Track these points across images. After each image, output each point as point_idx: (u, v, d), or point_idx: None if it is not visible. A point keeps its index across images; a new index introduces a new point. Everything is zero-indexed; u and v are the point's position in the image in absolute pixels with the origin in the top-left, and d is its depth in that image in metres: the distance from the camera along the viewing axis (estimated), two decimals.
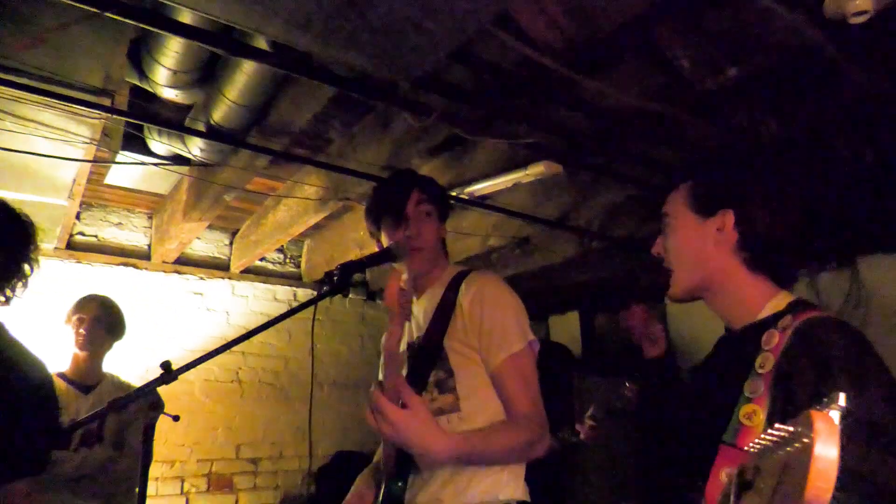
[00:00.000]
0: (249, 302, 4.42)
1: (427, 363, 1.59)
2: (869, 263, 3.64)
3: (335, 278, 1.63)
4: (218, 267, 4.35)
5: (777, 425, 0.58)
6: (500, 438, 1.46)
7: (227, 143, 2.37)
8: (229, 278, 4.37)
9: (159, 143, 2.57)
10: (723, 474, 0.96)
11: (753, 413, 0.97)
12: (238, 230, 4.31)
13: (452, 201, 2.90)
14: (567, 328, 5.23)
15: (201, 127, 2.35)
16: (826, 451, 0.51)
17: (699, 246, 1.16)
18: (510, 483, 1.53)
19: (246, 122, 2.33)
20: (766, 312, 1.10)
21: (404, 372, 1.66)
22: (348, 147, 2.73)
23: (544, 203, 3.35)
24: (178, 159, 2.66)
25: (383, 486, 1.58)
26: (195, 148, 2.47)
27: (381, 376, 1.88)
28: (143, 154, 2.67)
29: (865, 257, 3.65)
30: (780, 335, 1.02)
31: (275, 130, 2.43)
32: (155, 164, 2.62)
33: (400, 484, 1.55)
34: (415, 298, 1.80)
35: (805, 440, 0.52)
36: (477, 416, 1.51)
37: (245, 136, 2.41)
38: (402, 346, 1.74)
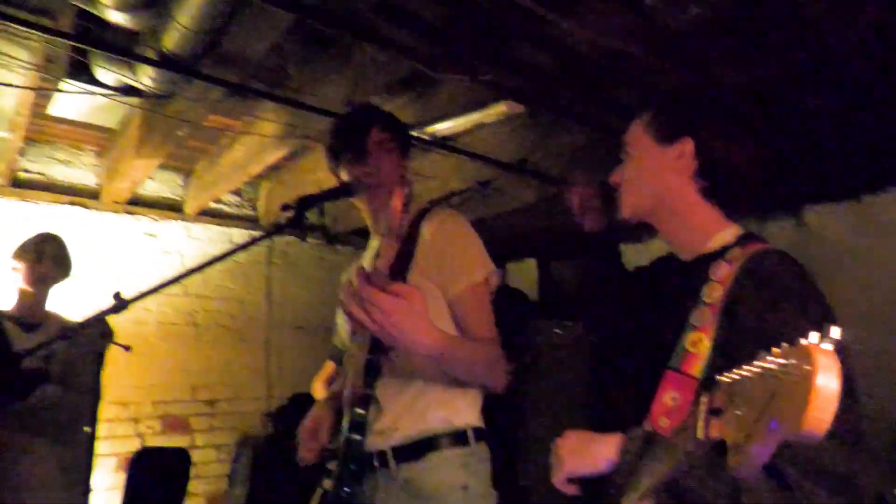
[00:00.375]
0: (205, 245, 4.33)
1: None
2: (815, 212, 3.78)
3: (293, 210, 1.62)
4: (172, 208, 4.23)
5: (766, 357, 0.59)
6: (475, 348, 1.50)
7: (180, 72, 2.27)
8: (184, 220, 4.26)
9: (107, 72, 2.43)
10: (667, 398, 1.01)
11: (699, 341, 1.01)
12: (193, 170, 4.18)
13: (414, 142, 2.87)
14: (525, 275, 5.32)
15: (152, 55, 2.24)
16: (827, 382, 0.51)
17: (658, 172, 1.18)
18: (467, 410, 1.57)
19: (199, 51, 2.23)
20: (715, 244, 1.13)
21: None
22: (308, 82, 2.65)
23: (505, 146, 3.34)
24: (127, 91, 2.54)
25: (347, 415, 1.62)
26: (145, 78, 2.35)
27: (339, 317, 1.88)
28: (90, 84, 2.53)
29: (812, 206, 3.79)
30: (729, 267, 1.04)
31: (230, 61, 2.33)
32: (102, 95, 2.49)
33: (362, 412, 1.59)
34: (373, 234, 1.80)
35: (802, 370, 0.52)
36: None
37: (198, 66, 2.31)
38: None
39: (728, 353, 0.98)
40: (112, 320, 1.44)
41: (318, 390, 3.17)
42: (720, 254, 1.10)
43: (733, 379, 0.65)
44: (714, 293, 1.03)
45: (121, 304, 1.45)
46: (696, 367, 0.99)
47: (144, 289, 1.47)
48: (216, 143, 3.68)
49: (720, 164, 1.14)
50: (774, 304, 0.96)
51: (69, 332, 1.37)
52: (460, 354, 1.43)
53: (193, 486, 3.95)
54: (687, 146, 1.15)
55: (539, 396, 3.93)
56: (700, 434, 0.70)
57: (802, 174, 3.53)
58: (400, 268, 1.61)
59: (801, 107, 2.73)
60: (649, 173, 1.19)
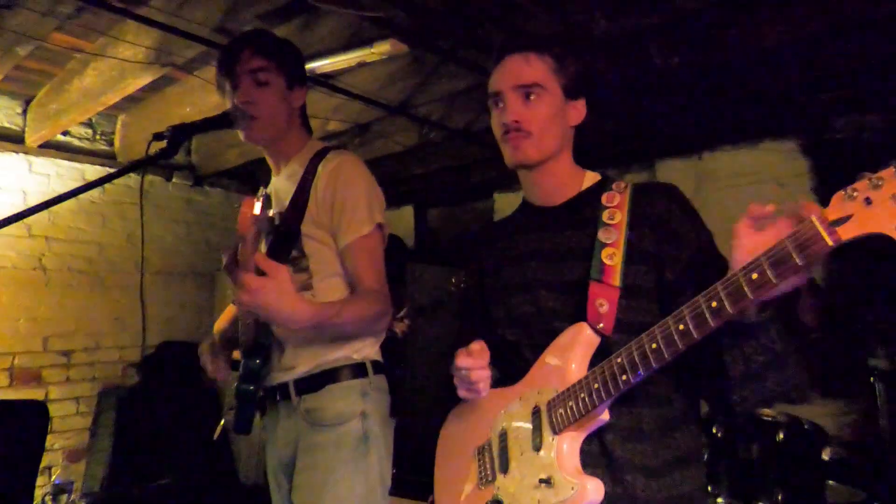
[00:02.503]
0: (52, 181, 3.90)
1: (288, 243, 1.60)
2: (664, 166, 4.17)
3: (166, 139, 1.53)
4: (9, 139, 3.74)
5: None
6: (352, 308, 1.51)
7: None
8: (25, 153, 3.79)
9: None
10: (597, 304, 1.16)
11: (613, 254, 1.19)
12: (34, 97, 3.71)
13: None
14: (402, 221, 5.38)
15: None
16: None
17: (562, 123, 1.27)
18: (366, 346, 1.62)
19: None
20: (587, 184, 1.32)
21: (263, 249, 1.64)
22: (174, 2, 2.42)
23: (386, 89, 3.31)
24: None
25: (242, 362, 1.60)
26: None
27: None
28: None
29: (662, 160, 4.17)
30: (621, 196, 1.24)
31: None
32: None
33: (258, 361, 1.58)
34: (273, 172, 1.75)
35: None
36: (329, 296, 1.57)
37: None
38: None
39: (639, 259, 1.18)
40: None
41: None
42: (599, 189, 1.28)
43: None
44: (616, 216, 1.21)
45: None
46: (615, 277, 1.17)
47: None
48: (63, 66, 3.28)
49: (589, 125, 1.30)
50: (691, 216, 1.21)
51: None
52: (335, 320, 1.45)
53: (51, 440, 3.69)
54: (581, 105, 1.29)
55: (423, 343, 4.07)
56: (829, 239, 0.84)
57: (654, 131, 3.87)
58: (294, 216, 1.59)
59: (654, 64, 2.97)
60: (557, 123, 1.26)
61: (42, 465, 3.47)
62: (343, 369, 1.57)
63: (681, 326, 0.98)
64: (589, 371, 1.12)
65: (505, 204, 4.83)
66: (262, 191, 1.46)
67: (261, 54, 1.60)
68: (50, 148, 3.89)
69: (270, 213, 1.59)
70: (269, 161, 1.75)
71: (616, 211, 1.23)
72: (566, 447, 1.12)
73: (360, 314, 1.51)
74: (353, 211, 1.56)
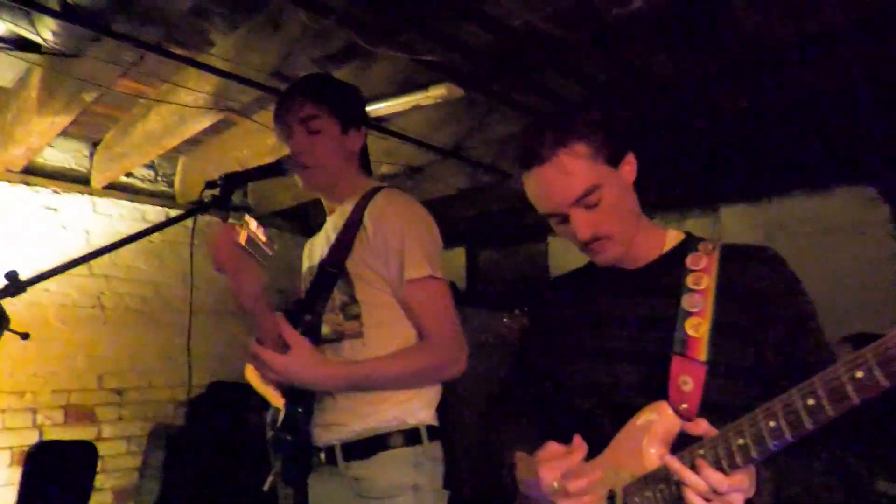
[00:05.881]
0: (114, 221, 4.01)
1: (330, 283, 1.52)
2: (729, 211, 3.97)
3: (218, 188, 1.50)
4: (76, 180, 3.88)
5: None
6: (397, 364, 1.42)
7: (87, 27, 2.05)
8: (90, 194, 3.92)
9: None
10: (680, 382, 1.03)
11: (699, 325, 1.05)
12: (100, 140, 3.85)
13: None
14: (453, 263, 5.31)
15: (54, 5, 2.00)
16: None
17: (628, 199, 1.15)
18: (422, 409, 1.51)
19: (110, 4, 2.02)
20: (669, 245, 1.19)
21: (303, 288, 1.59)
22: (233, 49, 2.46)
23: (438, 132, 3.28)
24: (25, 44, 2.27)
25: (282, 412, 1.52)
26: (46, 31, 2.11)
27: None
28: None
29: (727, 206, 3.98)
30: (708, 258, 1.11)
31: (146, 19, 2.13)
32: None
33: (300, 409, 1.50)
34: (327, 212, 1.69)
35: None
36: (382, 344, 1.47)
37: (109, 22, 2.09)
38: (312, 263, 1.65)
39: (729, 333, 1.05)
40: (5, 303, 1.27)
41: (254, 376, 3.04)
42: (681, 251, 1.16)
43: None
44: (702, 281, 1.08)
45: (15, 286, 1.29)
46: (701, 351, 1.03)
47: (45, 269, 1.30)
48: (128, 111, 3.40)
49: (644, 169, 1.17)
50: (791, 285, 1.07)
51: None
52: (377, 376, 1.41)
53: (101, 480, 3.68)
54: (631, 159, 1.15)
55: (468, 387, 3.93)
56: None
57: (719, 175, 3.71)
58: (337, 258, 1.52)
59: (718, 107, 2.84)
60: (626, 205, 1.14)
61: None
62: (395, 435, 1.45)
63: (771, 423, 0.84)
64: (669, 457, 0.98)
65: (559, 247, 4.70)
66: (247, 218, 1.37)
67: (311, 101, 1.56)
68: (113, 189, 4.01)
69: (271, 245, 1.50)
70: (325, 203, 1.70)
71: (702, 275, 1.09)
72: None
73: (410, 368, 1.42)
74: (408, 254, 1.46)
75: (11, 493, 3.23)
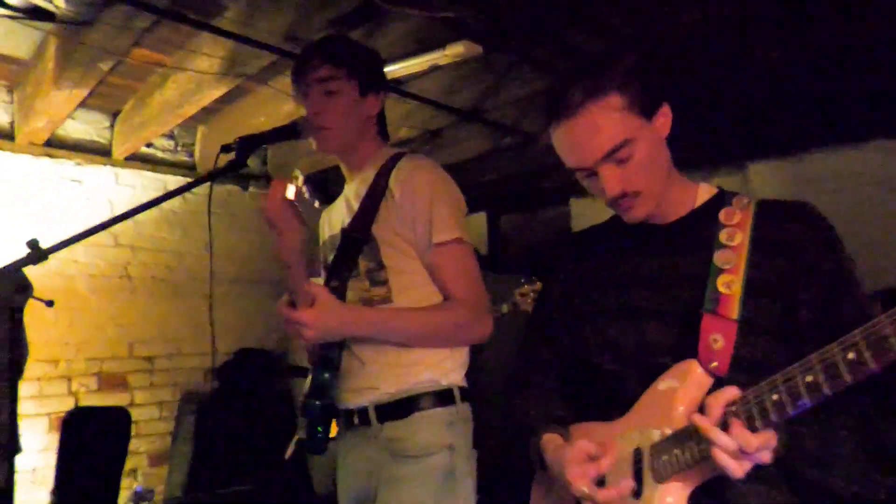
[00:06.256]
0: (137, 192, 4.05)
1: (355, 250, 1.51)
2: (758, 168, 3.85)
3: (234, 151, 1.48)
4: (98, 152, 3.90)
5: None
6: (421, 315, 1.43)
7: None
8: (112, 165, 3.94)
9: None
10: (711, 340, 1.00)
11: (731, 282, 1.01)
12: (120, 111, 3.86)
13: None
14: (474, 228, 5.28)
15: None
16: None
17: (660, 153, 1.09)
18: (453, 370, 1.52)
19: None
20: (701, 200, 1.14)
21: (331, 257, 1.57)
22: (245, 13, 2.42)
23: (457, 93, 3.21)
24: (37, 13, 2.25)
25: (310, 375, 1.53)
26: None
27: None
28: None
29: (755, 162, 3.85)
30: (742, 213, 1.06)
31: None
32: (7, 16, 2.20)
33: (326, 375, 1.50)
34: (347, 180, 1.67)
35: None
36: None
37: None
38: (333, 231, 1.63)
39: (763, 290, 1.01)
40: (30, 272, 1.28)
41: None
42: (714, 206, 1.11)
43: None
44: (736, 237, 1.04)
45: (37, 254, 1.29)
46: (733, 308, 1.00)
47: (66, 237, 1.31)
48: (145, 80, 3.39)
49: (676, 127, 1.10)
50: (831, 244, 1.02)
51: None
52: (401, 324, 1.42)
53: (135, 444, 3.80)
54: (666, 111, 1.09)
55: (491, 353, 3.93)
56: None
57: (747, 130, 3.58)
58: (364, 221, 1.51)
59: (748, 58, 2.72)
60: (653, 159, 1.07)
61: (127, 467, 3.60)
62: (429, 395, 1.46)
63: (808, 378, 0.81)
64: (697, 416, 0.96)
65: (582, 209, 4.62)
66: (296, 173, 1.34)
67: (330, 62, 1.52)
68: (135, 160, 4.04)
69: (314, 201, 1.50)
70: (343, 169, 1.68)
71: (736, 231, 1.05)
72: (670, 500, 0.97)
73: (433, 322, 1.43)
74: (436, 218, 1.46)
75: (51, 457, 3.35)
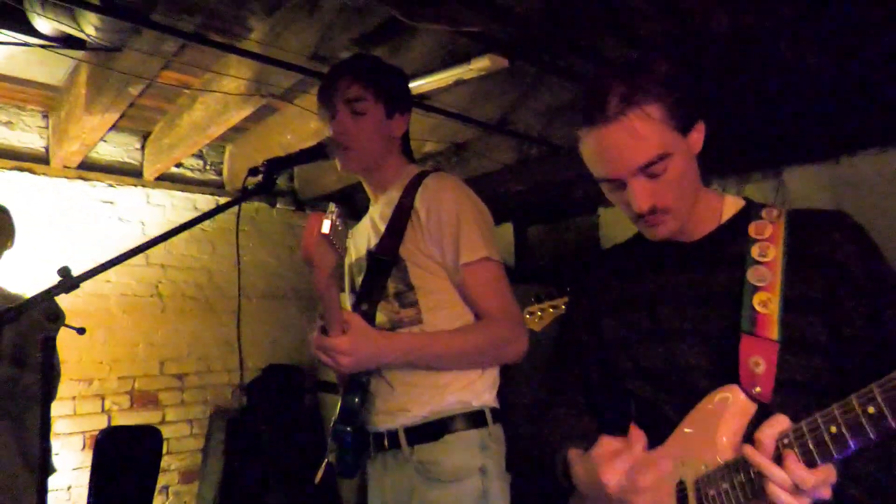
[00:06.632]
0: (167, 212, 4.10)
1: (384, 273, 1.49)
2: (794, 173, 3.74)
3: (261, 174, 1.48)
4: (129, 173, 3.97)
5: None
6: (457, 338, 1.41)
7: (127, 19, 2.04)
8: (143, 186, 4.01)
9: (44, 20, 2.18)
10: (751, 364, 0.95)
11: (768, 301, 0.96)
12: (150, 133, 3.92)
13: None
14: (501, 239, 5.23)
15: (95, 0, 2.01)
16: None
17: (692, 170, 1.04)
18: (485, 391, 1.49)
19: None
20: (729, 213, 1.09)
21: (360, 280, 1.56)
22: (270, 34, 2.43)
23: (483, 105, 3.18)
24: (69, 42, 2.29)
25: (340, 400, 1.51)
26: (88, 26, 2.12)
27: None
28: (26, 34, 2.27)
29: (791, 167, 3.74)
30: (773, 226, 1.02)
31: (184, 8, 2.11)
32: (39, 46, 2.24)
33: (356, 399, 1.48)
34: (372, 201, 1.66)
35: None
36: (442, 328, 1.45)
37: (148, 13, 2.09)
38: (359, 253, 1.62)
39: (802, 307, 0.96)
40: (62, 299, 1.28)
41: None
42: (743, 219, 1.06)
43: None
44: (769, 252, 0.99)
45: (69, 283, 1.29)
46: (772, 329, 0.95)
47: (97, 264, 1.31)
48: (174, 102, 3.44)
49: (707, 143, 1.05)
50: (870, 253, 0.97)
51: (9, 316, 1.21)
52: (436, 348, 1.40)
53: (167, 461, 3.83)
54: (701, 127, 1.04)
55: (517, 376, 3.88)
56: None
57: (781, 134, 3.48)
58: (392, 243, 1.49)
59: (781, 63, 2.64)
60: (689, 178, 1.03)
61: (159, 485, 3.62)
62: (461, 417, 1.43)
63: (871, 409, 0.76)
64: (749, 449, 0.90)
65: (611, 219, 4.54)
66: (332, 207, 1.30)
67: (359, 83, 1.52)
68: (165, 180, 4.09)
69: (347, 232, 1.49)
70: (368, 189, 1.67)
71: (769, 246, 1.00)
72: None
73: (470, 343, 1.41)
74: (462, 238, 1.44)
75: (85, 476, 3.38)
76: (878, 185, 3.36)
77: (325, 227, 1.17)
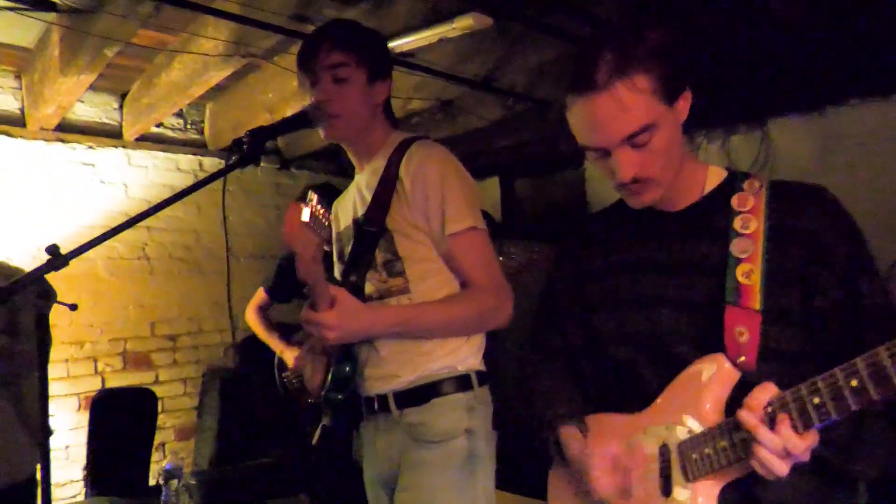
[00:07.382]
0: (149, 173, 4.05)
1: (371, 243, 1.51)
2: (779, 125, 3.73)
3: (244, 146, 1.47)
4: (109, 134, 3.89)
5: None
6: (442, 308, 1.44)
7: None
8: (123, 146, 3.93)
9: None
10: (736, 334, 0.98)
11: (750, 272, 0.99)
12: (128, 92, 3.82)
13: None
14: (487, 194, 5.22)
15: None
16: None
17: (677, 140, 1.05)
18: (470, 356, 1.53)
19: None
20: (711, 184, 1.11)
21: (348, 249, 1.57)
22: None
23: (468, 62, 3.13)
24: (38, 3, 2.21)
25: (331, 370, 1.54)
26: None
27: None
28: None
29: (776, 118, 3.74)
30: (755, 198, 1.04)
31: None
32: (8, 9, 2.16)
33: (347, 368, 1.52)
34: (357, 169, 1.66)
35: None
36: (429, 297, 1.48)
37: None
38: (347, 222, 1.63)
39: (783, 278, 0.99)
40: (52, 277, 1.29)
41: (253, 321, 3.19)
42: (725, 190, 1.08)
43: None
44: (751, 224, 1.02)
45: (58, 261, 1.30)
46: (755, 299, 0.98)
47: (86, 225, 1.32)
48: (151, 61, 3.34)
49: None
50: (845, 227, 1.00)
51: (1, 297, 1.22)
52: (425, 319, 1.42)
53: (162, 419, 3.90)
54: (687, 95, 1.04)
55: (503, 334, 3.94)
56: None
57: (766, 86, 3.46)
58: (379, 214, 1.50)
59: (765, 14, 2.61)
60: (671, 146, 1.03)
61: (156, 442, 3.71)
62: (447, 381, 1.48)
63: (854, 382, 0.80)
64: (728, 416, 0.95)
65: (597, 173, 4.52)
66: (311, 195, 1.33)
67: (340, 49, 1.49)
68: (146, 140, 4.02)
69: (357, 212, 1.51)
70: (352, 158, 1.66)
71: (750, 218, 1.03)
72: (702, 500, 0.97)
73: (457, 313, 1.44)
74: (448, 208, 1.45)
75: (82, 435, 3.45)
76: (861, 136, 3.37)
77: (305, 215, 1.19)
